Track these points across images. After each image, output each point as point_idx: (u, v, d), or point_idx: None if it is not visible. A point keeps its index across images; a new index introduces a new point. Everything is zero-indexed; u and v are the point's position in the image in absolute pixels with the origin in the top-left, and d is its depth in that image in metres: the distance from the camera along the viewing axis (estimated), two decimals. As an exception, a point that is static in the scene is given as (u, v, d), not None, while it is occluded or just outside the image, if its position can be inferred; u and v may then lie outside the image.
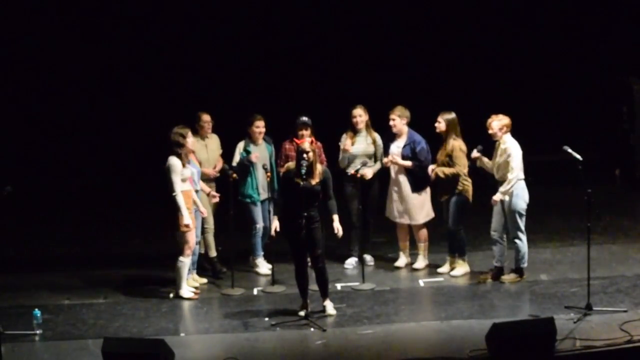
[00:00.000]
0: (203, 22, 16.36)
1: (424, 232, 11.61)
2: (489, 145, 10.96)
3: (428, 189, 11.50)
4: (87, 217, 14.64)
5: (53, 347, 9.62)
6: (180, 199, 10.57)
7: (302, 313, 10.12)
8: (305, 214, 9.88)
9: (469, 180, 11.17)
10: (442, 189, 11.22)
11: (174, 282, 10.91)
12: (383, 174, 11.66)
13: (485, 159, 11.00)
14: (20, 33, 16.02)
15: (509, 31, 16.45)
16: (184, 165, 10.66)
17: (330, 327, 9.88)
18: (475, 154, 10.99)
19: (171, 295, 10.94)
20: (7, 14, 15.86)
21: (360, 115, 11.64)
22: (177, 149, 10.64)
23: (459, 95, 14.93)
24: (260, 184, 11.50)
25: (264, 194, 11.55)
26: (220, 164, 11.64)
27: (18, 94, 16.26)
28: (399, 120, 11.42)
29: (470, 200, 11.19)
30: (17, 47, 16.02)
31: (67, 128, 16.32)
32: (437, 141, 11.27)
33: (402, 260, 11.76)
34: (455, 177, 11.08)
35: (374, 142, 11.67)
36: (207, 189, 11.35)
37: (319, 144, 11.14)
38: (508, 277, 11.03)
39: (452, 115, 11.19)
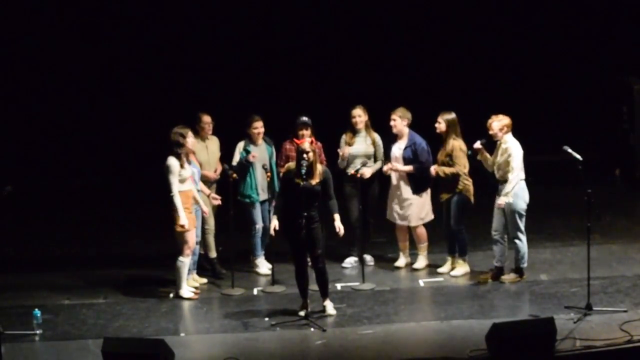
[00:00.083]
0: (203, 22, 16.35)
1: (423, 233, 11.60)
2: (492, 144, 10.96)
3: (429, 190, 11.50)
4: (87, 217, 14.60)
5: (53, 347, 9.62)
6: (178, 200, 10.55)
7: (302, 313, 10.12)
8: (305, 214, 9.88)
9: (470, 179, 11.17)
10: (443, 188, 11.23)
11: (174, 282, 10.91)
12: (383, 175, 11.65)
13: (487, 154, 10.99)
14: (20, 33, 16.00)
15: (509, 31, 16.44)
16: (182, 166, 10.65)
17: (330, 327, 9.88)
18: (477, 145, 10.92)
19: (171, 295, 10.93)
20: (7, 14, 15.85)
21: (359, 116, 11.63)
22: (177, 149, 10.62)
23: (459, 95, 14.95)
24: (259, 184, 11.48)
25: (263, 195, 11.53)
26: (220, 168, 11.61)
27: (18, 93, 16.25)
28: (399, 121, 11.41)
29: (471, 200, 11.19)
30: (17, 47, 16.01)
31: (67, 128, 16.29)
32: (437, 141, 11.27)
33: (402, 260, 11.75)
34: (455, 177, 11.08)
35: (374, 142, 11.67)
36: (207, 190, 11.33)
37: (319, 144, 11.15)
38: (508, 277, 11.03)
39: (452, 115, 11.19)
